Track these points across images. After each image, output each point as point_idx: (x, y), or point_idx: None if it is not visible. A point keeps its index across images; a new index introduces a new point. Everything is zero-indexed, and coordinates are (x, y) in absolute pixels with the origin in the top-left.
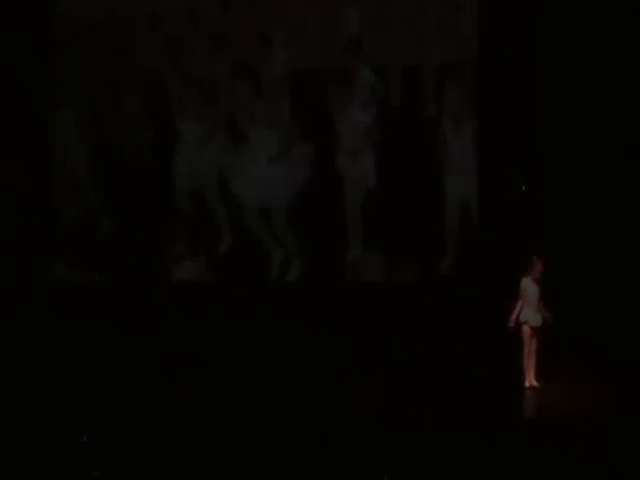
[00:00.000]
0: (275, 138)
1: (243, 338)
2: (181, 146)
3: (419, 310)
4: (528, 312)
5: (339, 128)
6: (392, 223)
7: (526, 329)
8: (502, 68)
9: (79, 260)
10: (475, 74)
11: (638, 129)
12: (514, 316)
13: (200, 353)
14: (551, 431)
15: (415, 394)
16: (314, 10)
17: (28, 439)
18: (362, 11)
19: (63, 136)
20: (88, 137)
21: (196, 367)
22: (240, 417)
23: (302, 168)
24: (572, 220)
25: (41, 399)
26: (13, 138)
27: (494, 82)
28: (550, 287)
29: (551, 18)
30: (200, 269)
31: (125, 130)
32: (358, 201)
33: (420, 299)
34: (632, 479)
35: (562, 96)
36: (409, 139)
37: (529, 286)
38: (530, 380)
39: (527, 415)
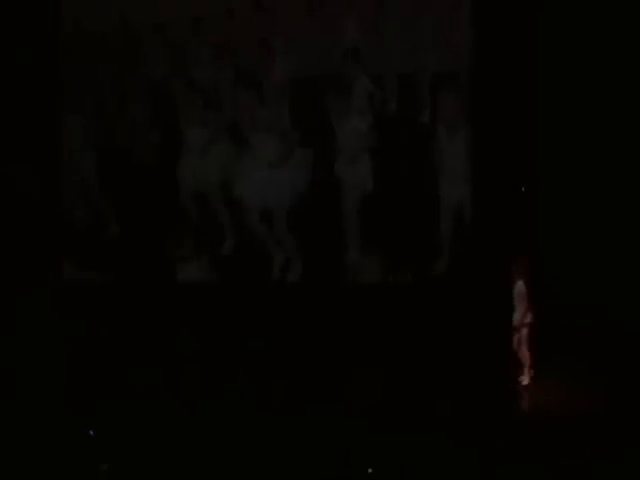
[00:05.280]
0: (276, 143)
1: (243, 337)
2: (186, 151)
3: (415, 310)
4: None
5: (338, 134)
6: (389, 226)
7: None
8: (496, 75)
9: (87, 261)
10: (469, 81)
11: (634, 134)
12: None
13: (204, 351)
14: (546, 429)
15: (410, 393)
16: (314, 20)
17: (36, 433)
18: (360, 21)
19: (72, 140)
20: (96, 141)
21: (201, 365)
22: (241, 413)
23: (302, 172)
24: (567, 218)
25: (49, 394)
26: (23, 141)
27: (488, 89)
28: (546, 286)
29: (546, 25)
30: (203, 270)
31: (132, 135)
32: (356, 205)
33: (416, 300)
34: (627, 477)
35: (557, 103)
36: (405, 145)
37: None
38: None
39: (521, 414)
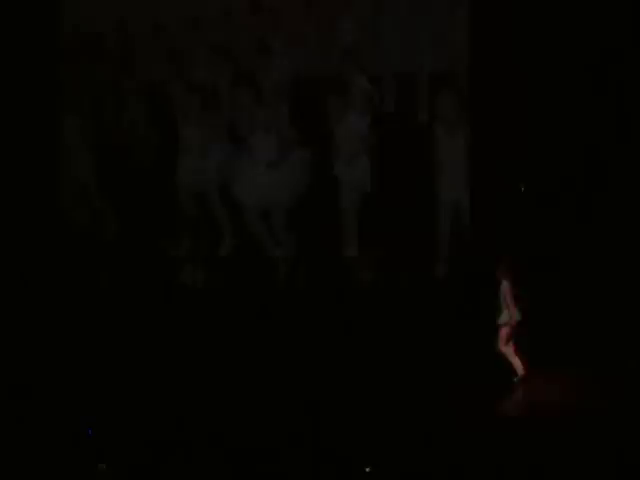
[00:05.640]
0: (274, 144)
1: (243, 336)
2: (184, 151)
3: (413, 311)
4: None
5: (336, 134)
6: (387, 225)
7: None
8: (494, 75)
9: (85, 262)
10: (467, 81)
11: (629, 131)
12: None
13: (203, 351)
14: (541, 428)
15: (407, 392)
16: (312, 21)
17: (34, 433)
18: (358, 21)
19: (71, 140)
20: (94, 141)
21: (200, 364)
22: (241, 413)
23: (300, 172)
24: (564, 219)
25: (48, 394)
26: (22, 141)
27: (486, 89)
28: (539, 285)
29: (544, 25)
30: (202, 271)
31: (130, 135)
32: (354, 204)
33: (414, 301)
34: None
35: (555, 103)
36: (403, 145)
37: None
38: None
39: (517, 412)
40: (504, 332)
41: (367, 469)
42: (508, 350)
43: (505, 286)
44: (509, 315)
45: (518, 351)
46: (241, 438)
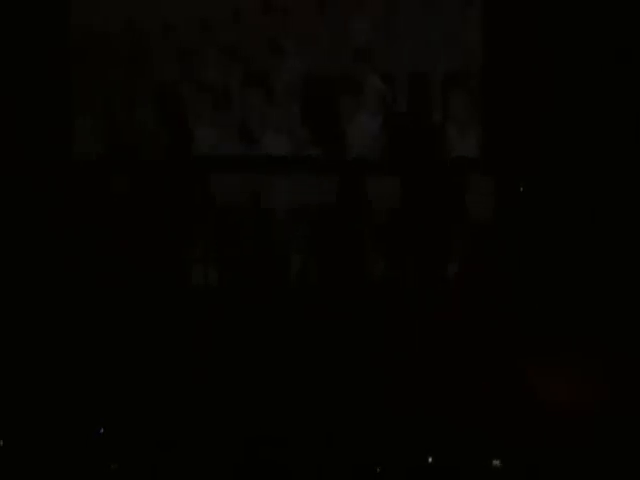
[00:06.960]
0: (286, 144)
1: (254, 338)
2: (195, 151)
3: (425, 311)
4: None
5: (348, 134)
6: (398, 227)
7: None
8: (508, 75)
9: (96, 261)
10: (481, 81)
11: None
12: None
13: (213, 351)
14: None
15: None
16: (324, 20)
17: (43, 432)
18: (371, 21)
19: (82, 141)
20: (105, 141)
21: (209, 365)
22: (248, 414)
23: (312, 173)
24: (574, 219)
25: (57, 393)
26: (32, 142)
27: (499, 88)
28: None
29: (558, 25)
30: (216, 272)
31: (140, 135)
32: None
33: (425, 301)
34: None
35: (568, 103)
36: (415, 144)
37: None
38: None
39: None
40: None
41: (378, 469)
42: None
43: None
44: None
45: None
46: (253, 437)
